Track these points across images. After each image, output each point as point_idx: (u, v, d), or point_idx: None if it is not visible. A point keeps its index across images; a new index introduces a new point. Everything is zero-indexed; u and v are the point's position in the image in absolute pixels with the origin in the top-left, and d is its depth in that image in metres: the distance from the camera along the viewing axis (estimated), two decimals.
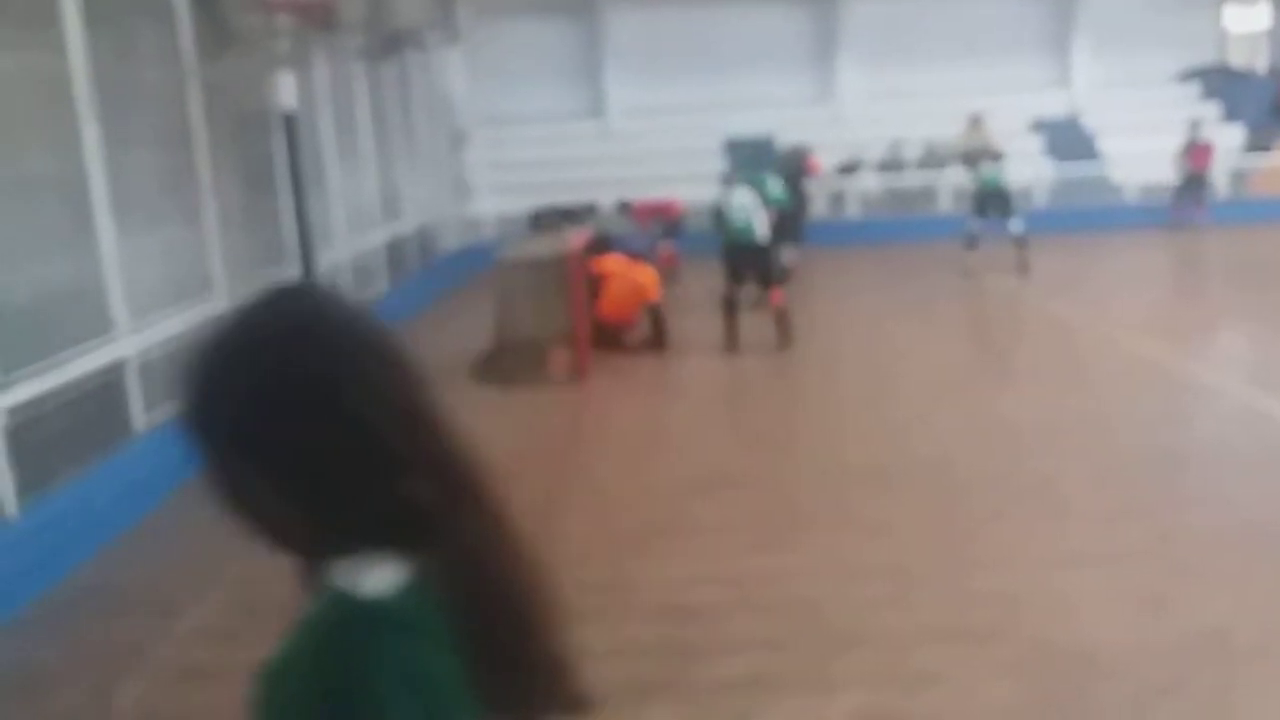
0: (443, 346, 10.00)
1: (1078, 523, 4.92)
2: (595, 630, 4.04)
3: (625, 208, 14.18)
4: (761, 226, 8.66)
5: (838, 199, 17.11)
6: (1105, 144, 18.13)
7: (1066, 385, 7.53)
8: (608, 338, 9.27)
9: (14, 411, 4.79)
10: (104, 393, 5.68)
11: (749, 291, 9.05)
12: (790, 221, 10.85)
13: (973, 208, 12.77)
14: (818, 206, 16.74)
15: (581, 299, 8.45)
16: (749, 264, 8.70)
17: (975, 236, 12.50)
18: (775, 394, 7.86)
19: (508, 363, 8.63)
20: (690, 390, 8.14)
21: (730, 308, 8.74)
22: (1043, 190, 16.98)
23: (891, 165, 17.25)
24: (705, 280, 10.86)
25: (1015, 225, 12.15)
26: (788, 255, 10.99)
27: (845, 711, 3.41)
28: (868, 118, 18.56)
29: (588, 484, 6.02)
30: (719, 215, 8.87)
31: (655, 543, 4.93)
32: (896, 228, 15.91)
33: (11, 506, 4.71)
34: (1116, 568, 4.38)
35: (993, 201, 12.45)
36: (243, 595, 4.59)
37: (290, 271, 8.61)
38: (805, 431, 6.83)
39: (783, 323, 8.64)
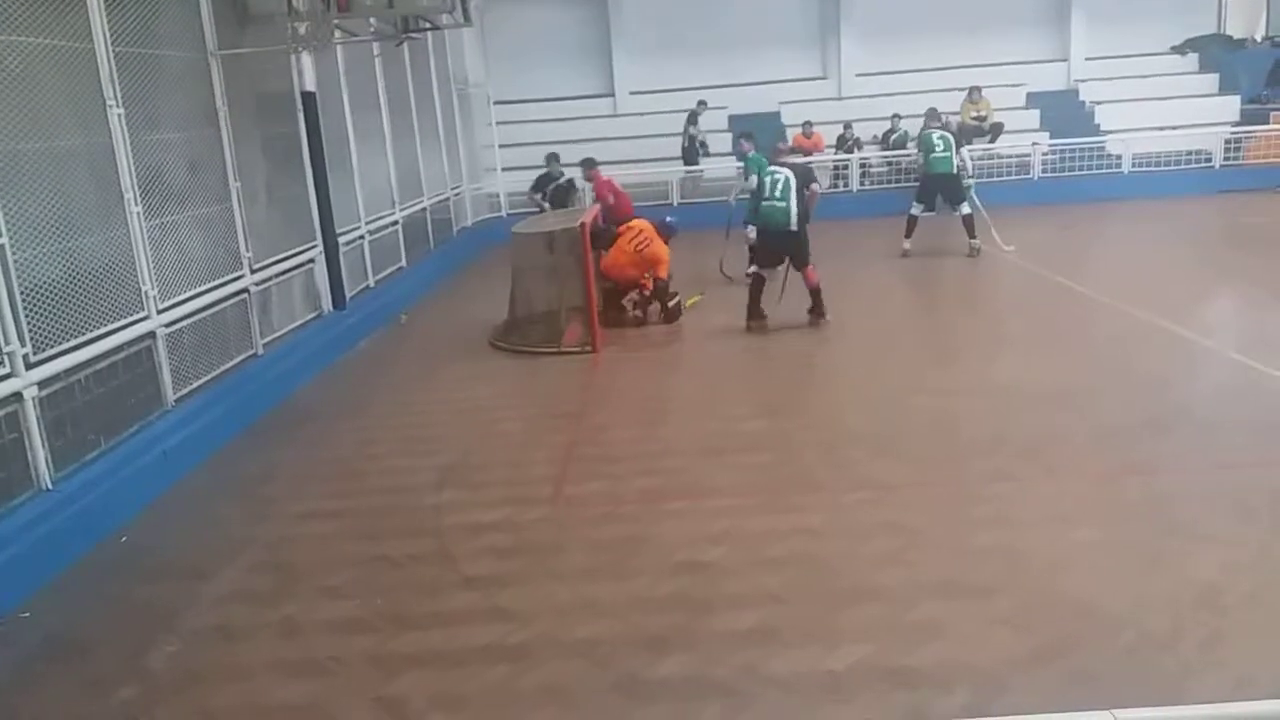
0: (461, 318, 10.22)
1: (1075, 482, 5.02)
2: (610, 586, 4.21)
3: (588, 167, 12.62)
4: (796, 211, 8.60)
5: (838, 173, 17.21)
6: (1102, 116, 18.17)
7: (1064, 351, 7.64)
8: (613, 303, 9.31)
9: (47, 384, 4.96)
10: (136, 366, 5.85)
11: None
12: None
13: (916, 193, 12.43)
14: (820, 181, 16.86)
15: (593, 272, 8.58)
16: (783, 247, 8.73)
17: (914, 219, 12.27)
18: (781, 363, 7.97)
19: (523, 333, 8.81)
20: (698, 361, 8.25)
21: (759, 284, 8.80)
22: (1040, 162, 17.02)
23: (898, 142, 17.34)
24: (694, 257, 10.84)
25: (964, 208, 11.95)
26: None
27: (850, 663, 3.51)
28: (869, 94, 18.66)
29: (601, 448, 6.16)
30: (756, 193, 8.90)
31: (666, 503, 5.07)
32: (896, 201, 16.02)
33: (46, 477, 4.89)
34: (1113, 525, 4.49)
35: (938, 188, 12.11)
36: (271, 558, 4.78)
37: (313, 249, 8.79)
38: (811, 398, 6.97)
39: (818, 298, 8.73)
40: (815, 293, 8.76)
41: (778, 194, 8.63)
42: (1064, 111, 18.31)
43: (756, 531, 4.65)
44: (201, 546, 4.95)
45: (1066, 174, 16.97)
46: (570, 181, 12.28)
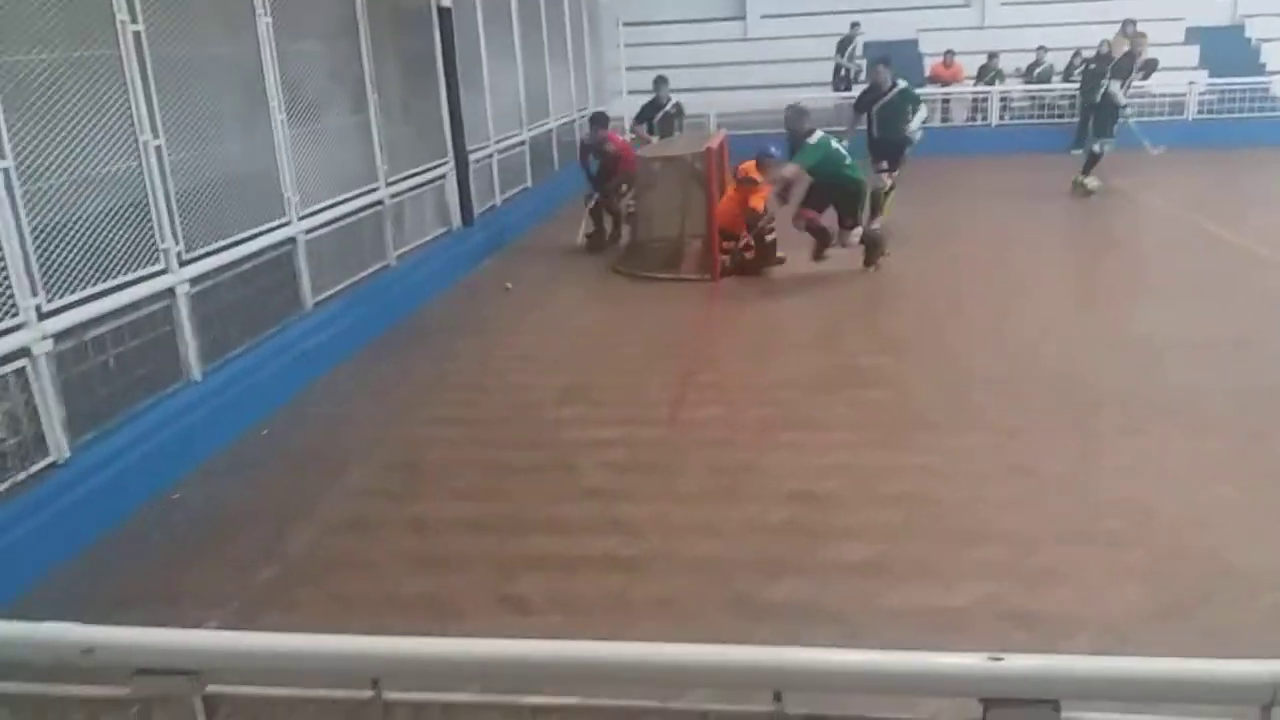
0: (582, 241, 10.25)
1: (1216, 439, 4.75)
2: (725, 508, 4.25)
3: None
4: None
5: (976, 106, 16.44)
6: (1270, 54, 16.76)
7: (1208, 301, 7.19)
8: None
9: (198, 282, 5.23)
10: (277, 270, 6.11)
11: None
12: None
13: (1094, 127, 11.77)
14: (958, 114, 16.17)
15: (716, 199, 8.45)
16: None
17: (1097, 155, 11.46)
18: (902, 301, 7.77)
19: (643, 258, 8.79)
20: (817, 296, 8.05)
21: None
22: (1196, 103, 15.86)
23: (1043, 75, 16.42)
24: None
25: (1097, 146, 11.31)
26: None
27: (969, 600, 3.46)
28: (1014, 24, 17.69)
29: (717, 376, 6.18)
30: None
31: (781, 434, 5.04)
32: (1038, 137, 15.25)
33: (195, 370, 5.20)
34: (1255, 485, 4.25)
35: (1098, 115, 11.55)
36: (403, 457, 4.99)
37: (444, 165, 8.93)
38: (933, 339, 6.73)
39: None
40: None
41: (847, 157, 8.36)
42: (1226, 48, 17.00)
43: (872, 467, 4.58)
44: (337, 443, 5.20)
45: (1226, 115, 15.82)
46: (678, 105, 11.67)
